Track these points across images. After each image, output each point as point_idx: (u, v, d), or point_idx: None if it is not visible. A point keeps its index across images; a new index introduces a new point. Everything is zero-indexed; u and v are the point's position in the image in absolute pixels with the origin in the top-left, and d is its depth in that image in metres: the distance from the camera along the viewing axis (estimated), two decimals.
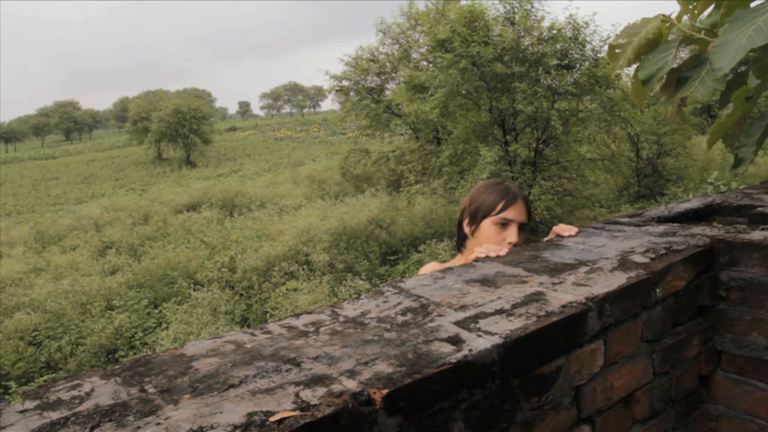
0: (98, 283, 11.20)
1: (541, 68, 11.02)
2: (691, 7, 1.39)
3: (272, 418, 0.71)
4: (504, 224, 1.68)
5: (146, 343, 8.90)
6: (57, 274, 12.25)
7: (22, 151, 58.25)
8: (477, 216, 1.71)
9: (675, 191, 13.46)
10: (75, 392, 0.82)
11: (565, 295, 1.12)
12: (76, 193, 27.37)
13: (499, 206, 1.69)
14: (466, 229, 1.75)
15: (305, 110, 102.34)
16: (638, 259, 1.28)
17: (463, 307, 1.08)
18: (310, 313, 1.11)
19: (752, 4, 1.16)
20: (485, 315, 1.04)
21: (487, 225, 1.69)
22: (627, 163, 14.97)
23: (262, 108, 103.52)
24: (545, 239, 1.62)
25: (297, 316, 1.10)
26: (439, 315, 1.05)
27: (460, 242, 1.82)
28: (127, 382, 0.84)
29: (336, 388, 0.79)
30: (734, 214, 1.68)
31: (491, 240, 1.66)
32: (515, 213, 1.70)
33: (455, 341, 0.93)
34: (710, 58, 1.11)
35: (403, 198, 13.99)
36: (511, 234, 1.67)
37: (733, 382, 1.40)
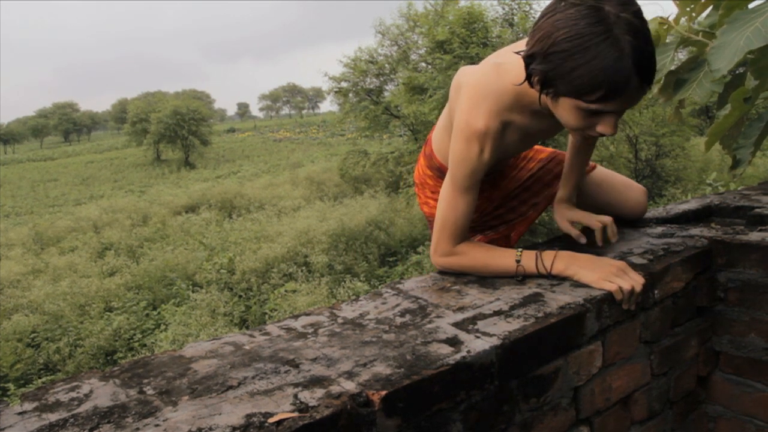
0: (97, 284, 11.18)
1: None
2: (689, 9, 1.39)
3: (271, 420, 0.72)
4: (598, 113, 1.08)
5: (145, 345, 8.89)
6: (55, 276, 12.24)
7: (21, 153, 58.21)
8: (556, 86, 1.05)
9: (674, 192, 13.47)
10: (74, 394, 0.82)
11: (564, 296, 1.12)
12: (75, 195, 27.33)
13: (597, 95, 1.01)
14: (536, 87, 1.11)
15: (304, 111, 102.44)
16: (636, 260, 1.28)
17: (461, 309, 1.08)
18: (308, 314, 1.11)
19: (751, 5, 1.16)
20: (483, 316, 1.04)
21: (571, 106, 1.07)
22: (625, 165, 14.98)
23: (261, 109, 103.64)
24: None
25: (296, 317, 1.10)
26: (438, 316, 1.05)
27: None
28: (125, 383, 0.84)
29: (335, 389, 0.79)
30: (732, 216, 1.69)
31: (572, 124, 1.11)
32: (625, 102, 1.04)
33: (453, 342, 0.93)
34: (708, 60, 1.12)
35: (402, 199, 14.00)
36: (608, 124, 1.09)
37: (731, 382, 1.40)
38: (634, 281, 1.15)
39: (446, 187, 1.27)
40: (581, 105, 1.05)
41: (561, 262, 1.21)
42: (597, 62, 0.97)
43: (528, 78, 1.11)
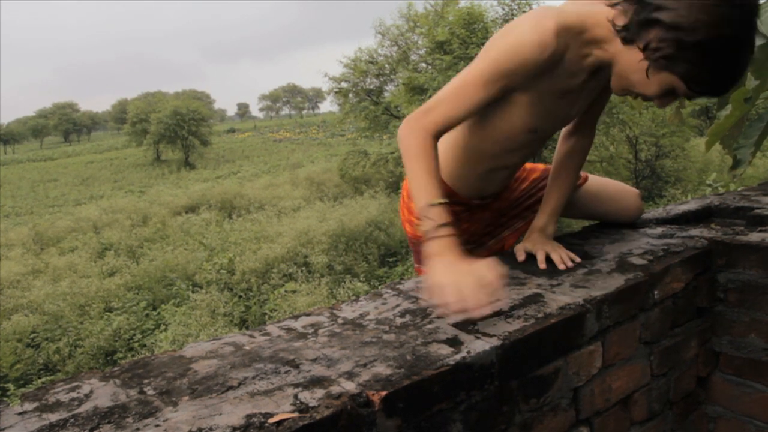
0: (96, 284, 11.18)
1: None
2: None
3: (271, 420, 0.72)
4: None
5: (145, 345, 8.90)
6: (55, 276, 12.23)
7: (21, 153, 58.24)
8: (675, 65, 1.01)
9: (674, 193, 13.47)
10: (74, 394, 0.82)
11: (563, 296, 1.12)
12: (75, 195, 27.31)
13: (705, 90, 1.04)
14: (642, 54, 1.03)
15: (304, 112, 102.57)
16: (636, 261, 1.28)
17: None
18: (308, 314, 1.11)
19: None
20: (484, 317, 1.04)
21: (666, 82, 1.05)
22: (625, 165, 15.00)
23: (261, 110, 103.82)
24: None
25: (296, 317, 1.10)
26: (438, 317, 1.05)
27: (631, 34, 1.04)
28: (126, 383, 0.84)
29: (335, 389, 0.79)
30: (732, 216, 1.69)
31: (647, 93, 1.10)
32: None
33: (454, 343, 0.93)
34: None
35: None
36: (669, 103, 1.14)
37: (731, 383, 1.41)
38: (481, 305, 0.95)
39: (467, 72, 1.13)
40: (680, 87, 1.04)
41: (440, 248, 1.04)
42: (729, 69, 1.00)
43: (630, 29, 1.03)
